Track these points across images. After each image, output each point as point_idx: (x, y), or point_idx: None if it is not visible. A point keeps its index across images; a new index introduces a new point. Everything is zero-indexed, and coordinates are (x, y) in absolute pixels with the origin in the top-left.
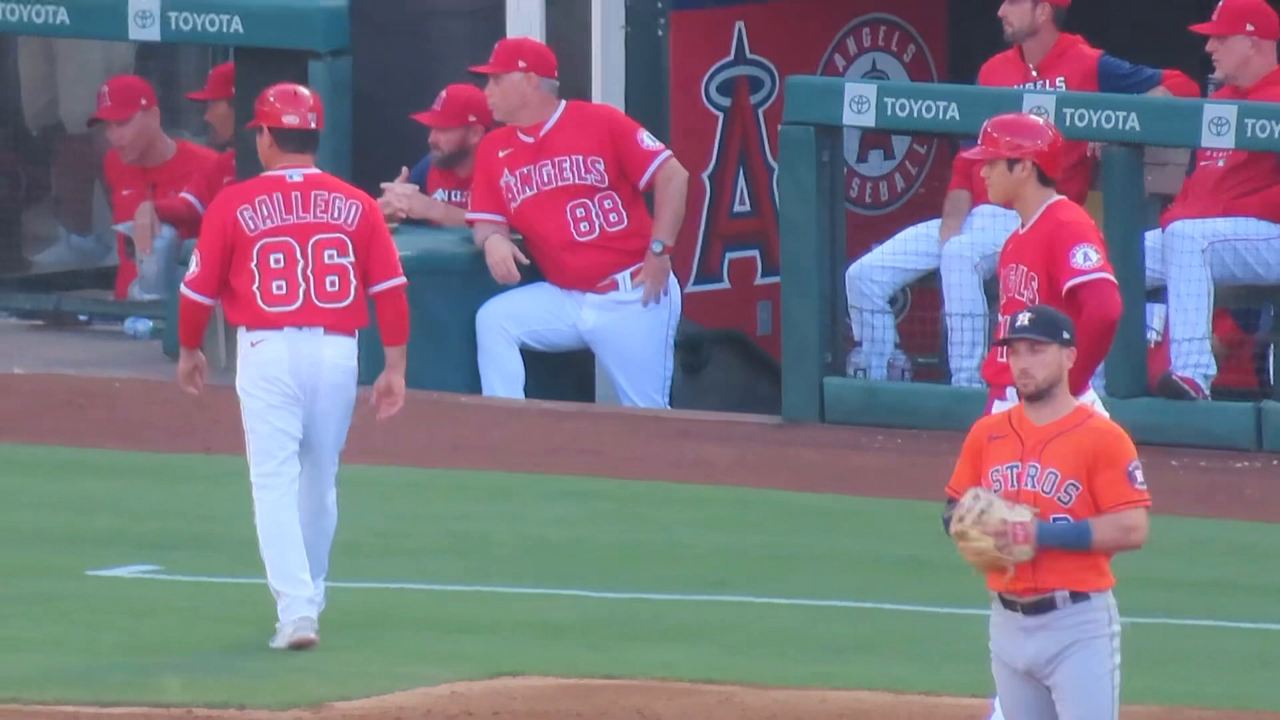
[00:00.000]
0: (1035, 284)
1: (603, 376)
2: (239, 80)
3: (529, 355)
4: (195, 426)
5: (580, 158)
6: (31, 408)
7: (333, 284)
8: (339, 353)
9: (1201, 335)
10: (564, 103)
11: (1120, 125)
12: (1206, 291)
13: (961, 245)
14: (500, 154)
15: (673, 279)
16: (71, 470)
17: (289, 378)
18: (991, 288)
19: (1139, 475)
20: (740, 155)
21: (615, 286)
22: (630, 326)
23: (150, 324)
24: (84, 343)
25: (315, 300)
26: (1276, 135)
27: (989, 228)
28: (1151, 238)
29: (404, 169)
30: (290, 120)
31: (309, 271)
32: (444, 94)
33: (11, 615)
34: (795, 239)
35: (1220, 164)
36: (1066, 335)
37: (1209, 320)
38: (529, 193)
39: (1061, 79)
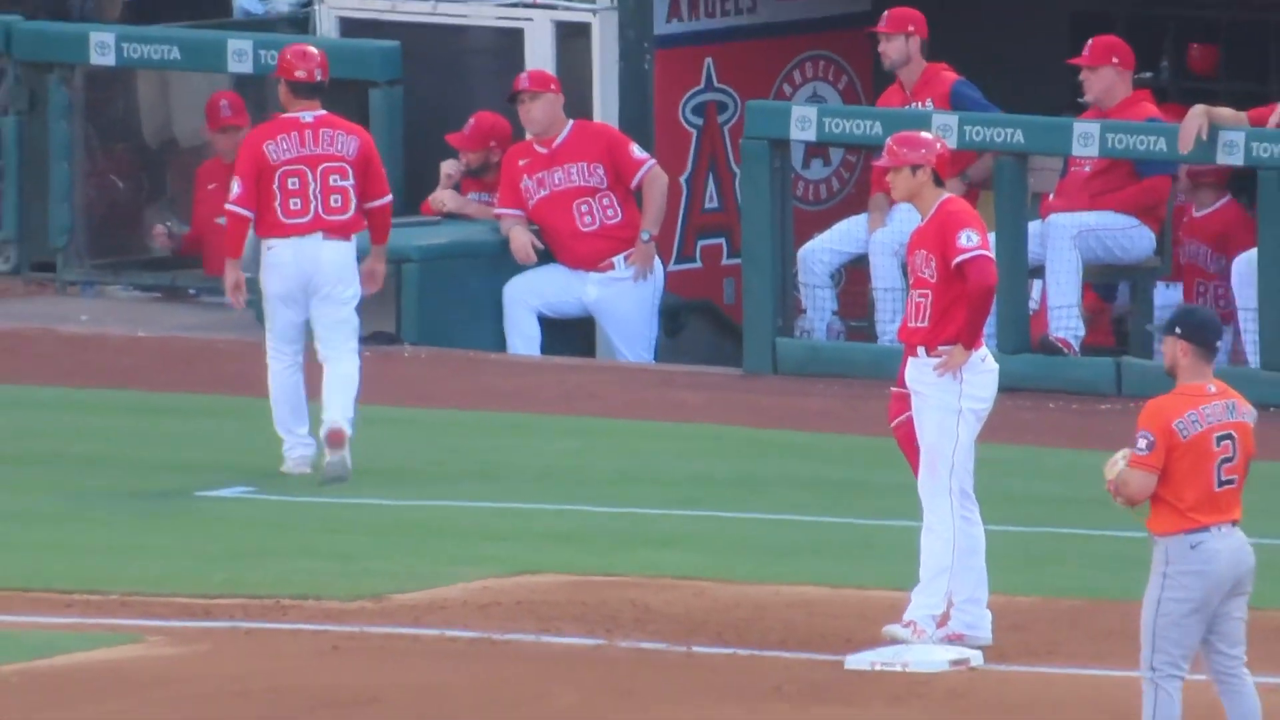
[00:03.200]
0: (934, 263)
1: (602, 338)
2: None
3: (544, 321)
4: None
5: (584, 164)
6: (151, 363)
7: (336, 201)
8: (335, 253)
9: (1073, 304)
10: (571, 121)
11: (1009, 139)
12: (1077, 269)
13: (886, 235)
14: (520, 162)
15: (657, 260)
16: (183, 412)
17: (294, 273)
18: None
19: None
20: (710, 163)
21: (612, 267)
22: (624, 298)
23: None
24: (192, 312)
25: (321, 214)
26: (1131, 147)
27: (907, 220)
28: (1033, 227)
29: (447, 167)
30: (300, 75)
31: (317, 191)
32: (472, 120)
33: (135, 528)
34: (753, 229)
35: (1086, 169)
36: (1179, 330)
37: (1079, 292)
38: (543, 193)
39: (930, 100)
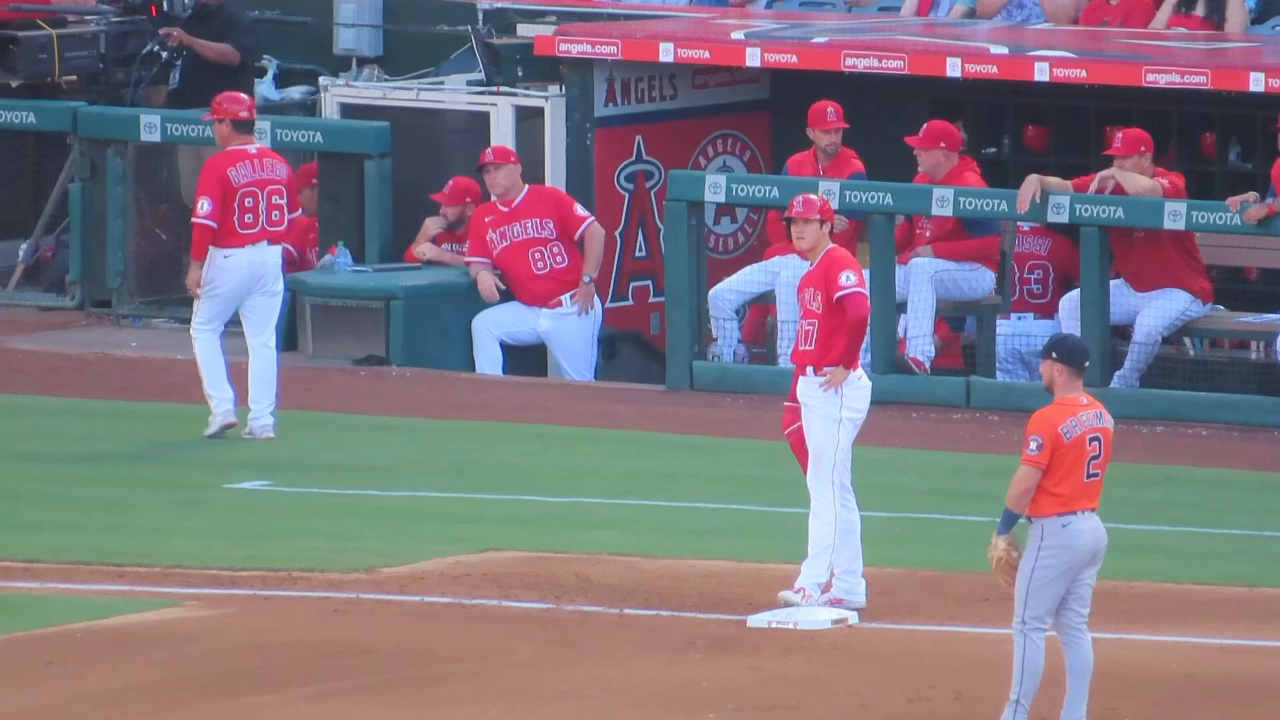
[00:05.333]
0: (819, 298)
1: (552, 361)
2: (320, 174)
3: (505, 347)
4: (292, 392)
5: (538, 220)
6: (188, 381)
7: (276, 215)
8: (275, 256)
9: (927, 332)
10: (528, 186)
11: (880, 201)
12: (932, 303)
13: (787, 278)
14: (486, 219)
15: (597, 298)
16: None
17: (246, 274)
18: None
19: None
20: (640, 220)
21: (561, 303)
22: (570, 329)
23: None
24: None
25: (267, 226)
26: (978, 208)
27: (802, 266)
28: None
29: (430, 223)
30: (243, 114)
31: (264, 207)
32: (451, 182)
33: (175, 513)
34: (675, 273)
35: (928, 234)
36: (1054, 355)
37: (932, 321)
38: (505, 243)
39: (836, 177)
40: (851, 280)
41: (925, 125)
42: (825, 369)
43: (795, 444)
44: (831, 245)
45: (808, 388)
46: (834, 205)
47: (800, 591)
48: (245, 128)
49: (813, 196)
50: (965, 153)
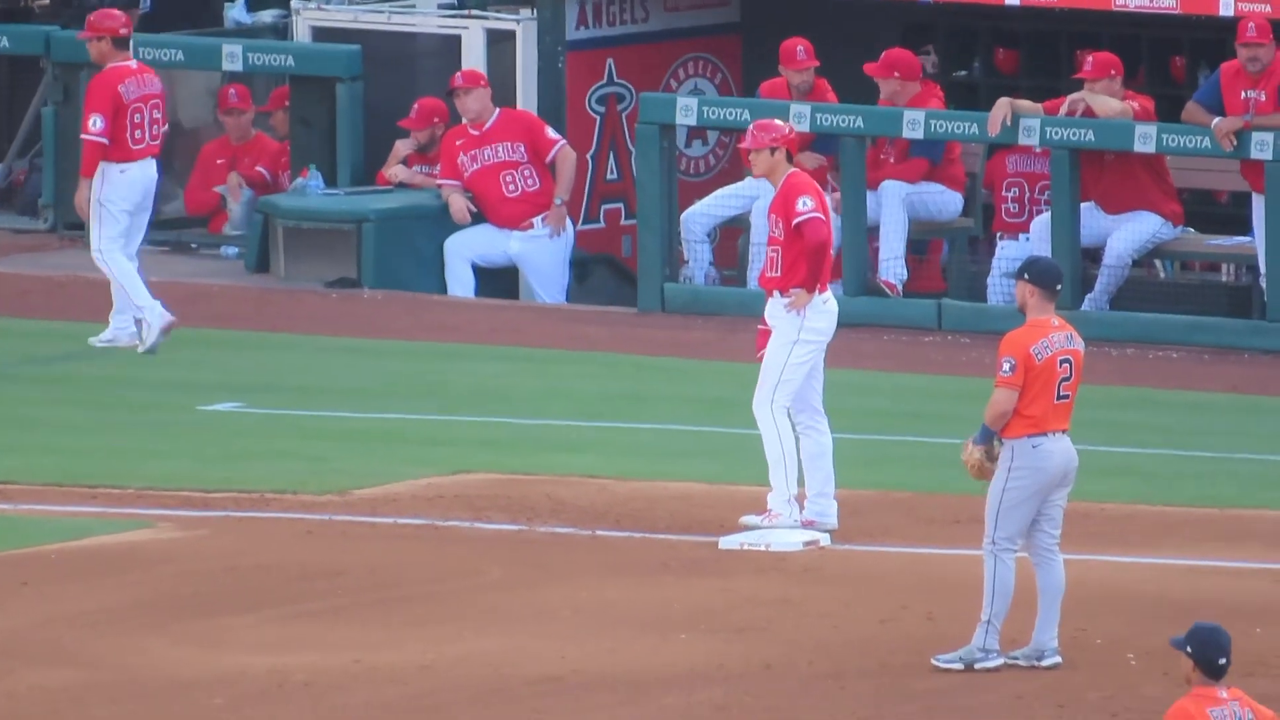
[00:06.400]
0: (781, 225)
1: (524, 283)
2: (291, 97)
3: (477, 270)
4: (264, 314)
5: (509, 143)
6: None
7: (156, 130)
8: (155, 169)
9: (899, 255)
10: (499, 109)
11: (852, 124)
12: (904, 225)
13: (762, 204)
14: (457, 142)
15: (569, 221)
16: (185, 343)
17: (141, 187)
18: None
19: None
20: (611, 143)
21: (532, 226)
22: (542, 251)
23: (236, 250)
24: (192, 262)
25: (151, 140)
26: (950, 130)
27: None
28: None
29: (402, 145)
30: (122, 30)
31: (148, 122)
32: (416, 105)
33: (149, 435)
34: (646, 196)
35: (892, 160)
36: (1026, 275)
37: (904, 244)
38: (476, 166)
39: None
40: (808, 205)
41: (883, 54)
42: (791, 290)
43: None
44: (792, 170)
45: (774, 309)
46: (805, 128)
47: (764, 514)
48: (123, 44)
49: (775, 121)
50: (936, 77)
